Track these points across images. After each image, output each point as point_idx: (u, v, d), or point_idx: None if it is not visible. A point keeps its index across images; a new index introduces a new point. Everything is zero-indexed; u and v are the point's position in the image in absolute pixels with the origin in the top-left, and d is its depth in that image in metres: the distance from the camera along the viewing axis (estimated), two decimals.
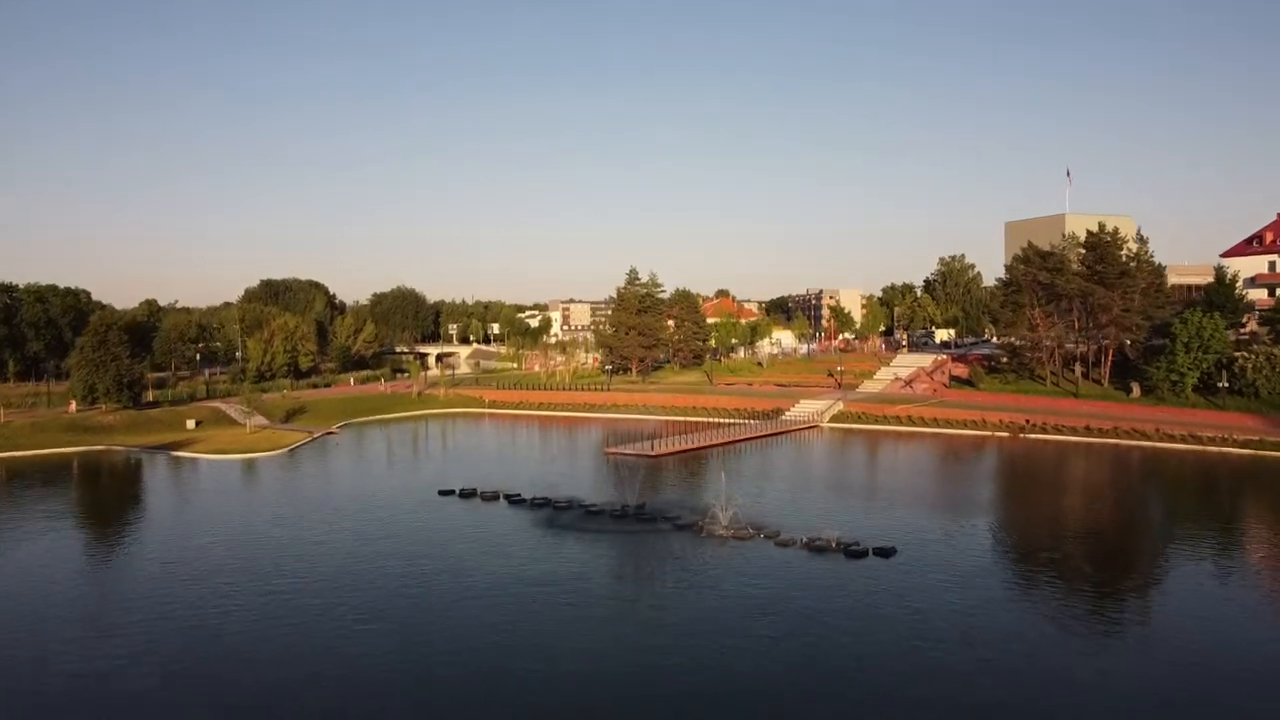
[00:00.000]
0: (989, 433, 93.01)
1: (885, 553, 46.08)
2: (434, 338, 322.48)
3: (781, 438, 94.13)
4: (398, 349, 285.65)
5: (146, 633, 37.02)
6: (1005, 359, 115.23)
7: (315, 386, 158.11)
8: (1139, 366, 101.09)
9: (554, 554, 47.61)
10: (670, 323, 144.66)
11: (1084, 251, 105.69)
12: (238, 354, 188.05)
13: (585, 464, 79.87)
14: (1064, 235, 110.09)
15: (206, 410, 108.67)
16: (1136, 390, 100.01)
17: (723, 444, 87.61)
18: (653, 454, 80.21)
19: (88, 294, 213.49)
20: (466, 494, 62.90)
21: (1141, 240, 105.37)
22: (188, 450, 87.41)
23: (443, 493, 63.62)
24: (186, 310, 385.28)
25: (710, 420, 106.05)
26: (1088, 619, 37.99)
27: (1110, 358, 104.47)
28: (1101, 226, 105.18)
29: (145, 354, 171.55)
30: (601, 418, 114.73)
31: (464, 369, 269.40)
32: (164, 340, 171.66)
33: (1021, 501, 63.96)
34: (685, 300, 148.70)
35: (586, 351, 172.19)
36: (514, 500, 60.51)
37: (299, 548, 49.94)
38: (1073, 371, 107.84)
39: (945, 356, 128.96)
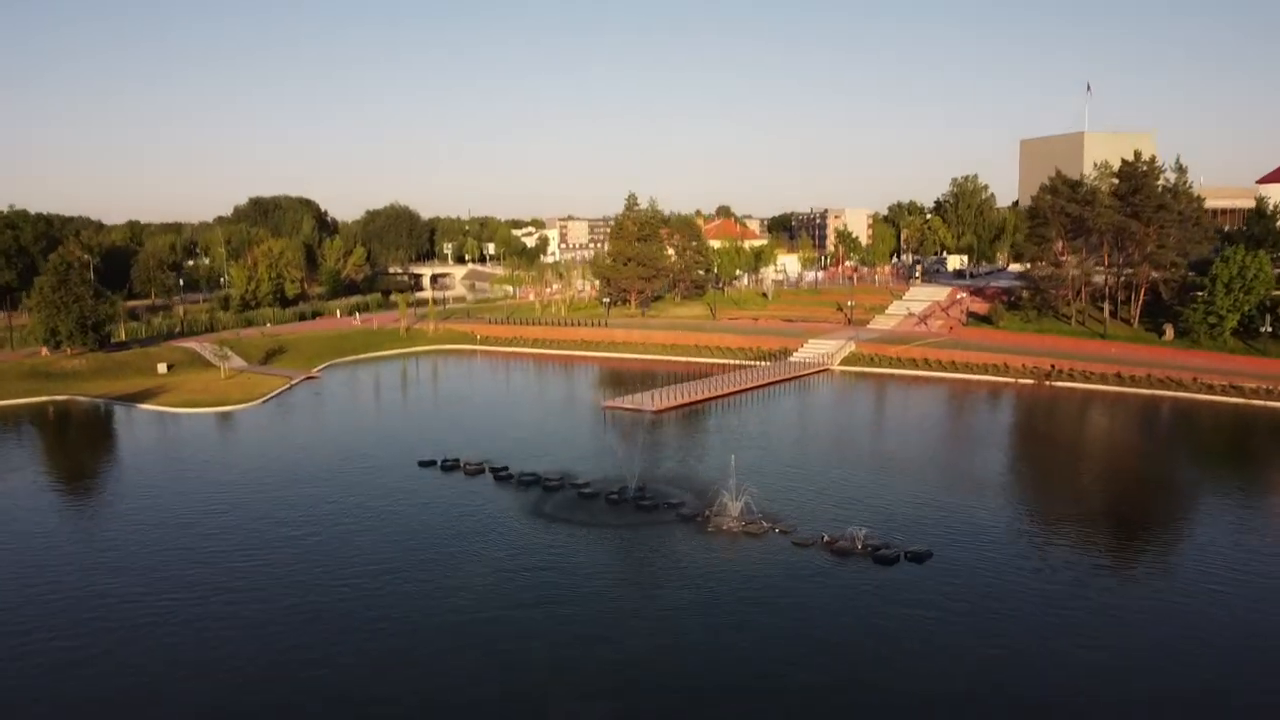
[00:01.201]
0: (1012, 379, 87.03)
1: (919, 557, 40.41)
2: (429, 256, 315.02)
3: (790, 384, 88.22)
4: (391, 269, 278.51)
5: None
6: (1027, 292, 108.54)
7: (302, 317, 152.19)
8: (1173, 307, 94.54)
9: (541, 558, 41.93)
10: (671, 251, 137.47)
11: (1116, 181, 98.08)
12: (222, 279, 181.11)
13: (579, 421, 73.97)
14: (1095, 164, 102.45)
15: (180, 352, 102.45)
16: (1169, 332, 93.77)
17: (727, 394, 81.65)
18: (653, 409, 74.32)
19: (61, 219, 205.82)
20: (448, 466, 57.14)
21: (1180, 169, 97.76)
22: (154, 401, 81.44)
23: (423, 464, 57.85)
24: (176, 226, 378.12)
25: (714, 362, 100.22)
26: (1179, 655, 32.47)
27: (1142, 296, 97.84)
28: (1137, 155, 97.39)
29: (123, 283, 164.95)
30: (598, 357, 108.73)
31: (459, 289, 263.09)
32: (142, 268, 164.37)
33: (1063, 479, 57.35)
34: (687, 227, 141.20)
35: (583, 277, 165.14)
36: (500, 475, 54.76)
37: (247, 542, 44.11)
38: (1100, 310, 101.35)
39: (962, 290, 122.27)
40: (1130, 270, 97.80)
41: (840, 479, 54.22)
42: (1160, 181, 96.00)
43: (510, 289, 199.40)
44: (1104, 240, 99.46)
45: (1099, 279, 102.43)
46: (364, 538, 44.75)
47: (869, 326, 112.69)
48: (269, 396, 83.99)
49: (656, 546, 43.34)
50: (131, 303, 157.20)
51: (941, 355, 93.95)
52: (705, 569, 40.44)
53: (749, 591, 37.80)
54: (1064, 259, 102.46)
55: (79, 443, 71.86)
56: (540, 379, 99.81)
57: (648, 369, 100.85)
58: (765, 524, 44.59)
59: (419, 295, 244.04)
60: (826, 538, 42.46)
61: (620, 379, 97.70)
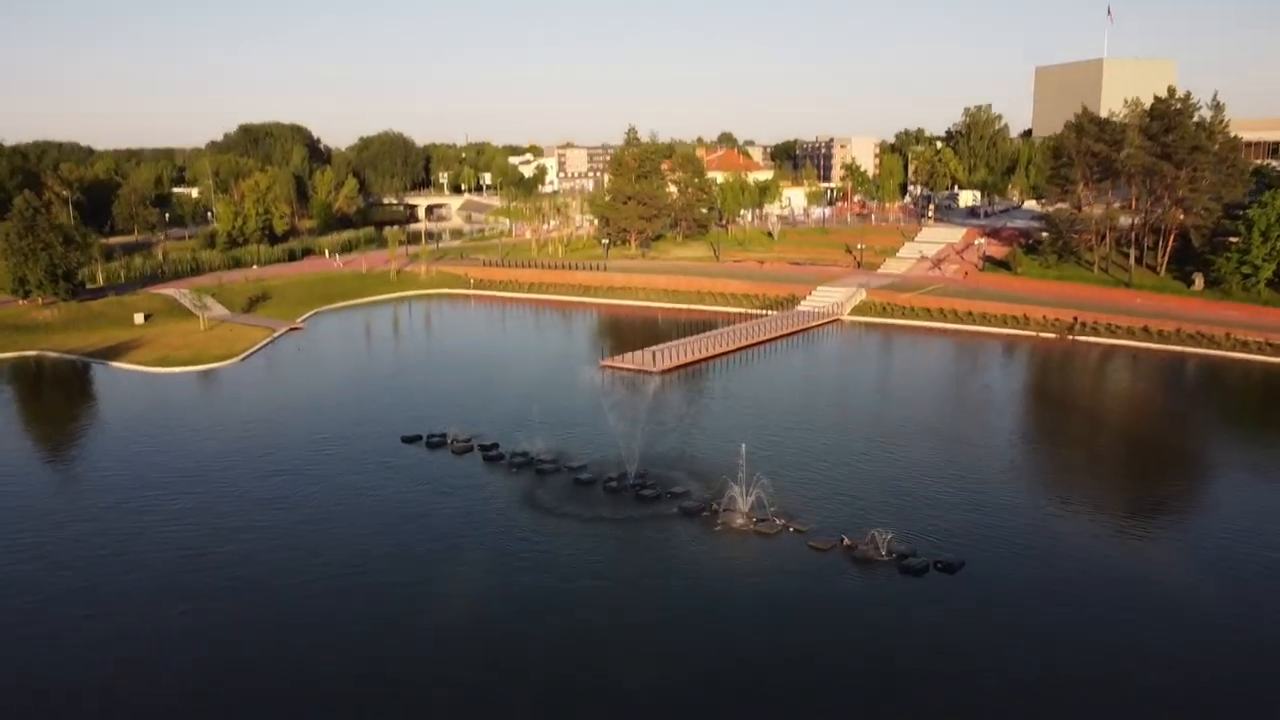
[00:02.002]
0: (1033, 333, 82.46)
1: (949, 567, 36.41)
2: (424, 185, 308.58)
3: (798, 337, 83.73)
4: (385, 200, 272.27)
5: None
6: (1047, 235, 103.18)
7: (291, 255, 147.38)
8: (1203, 254, 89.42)
9: (530, 561, 37.99)
10: (672, 188, 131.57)
11: (1148, 119, 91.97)
12: (209, 214, 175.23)
13: (576, 382, 68.47)
14: (1125, 100, 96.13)
15: (159, 300, 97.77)
16: (1199, 282, 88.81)
17: (733, 350, 77.23)
18: (654, 370, 69.99)
19: (40, 149, 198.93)
20: (434, 443, 53.00)
21: (1217, 107, 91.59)
22: (128, 358, 77.01)
23: (407, 439, 53.69)
24: (168, 152, 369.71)
25: (718, 310, 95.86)
26: None
27: (1171, 242, 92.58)
28: (1171, 91, 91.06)
29: (105, 219, 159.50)
30: (597, 303, 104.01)
31: (456, 221, 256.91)
32: (124, 204, 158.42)
33: (1105, 458, 52.36)
34: (689, 162, 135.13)
35: (581, 212, 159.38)
36: (490, 455, 50.65)
37: (204, 536, 40.11)
38: (1125, 255, 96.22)
39: (977, 232, 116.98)
40: (1158, 214, 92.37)
41: (857, 460, 50.12)
42: (1194, 119, 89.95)
43: (506, 222, 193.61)
44: (1132, 182, 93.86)
45: (1124, 222, 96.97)
46: (336, 533, 40.84)
47: (880, 271, 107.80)
48: (249, 352, 79.57)
49: (657, 549, 39.39)
50: (114, 239, 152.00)
51: (958, 305, 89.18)
52: (709, 579, 36.55)
53: (756, 611, 33.94)
54: (1088, 202, 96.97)
55: (43, 409, 67.69)
56: (536, 329, 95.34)
57: (648, 318, 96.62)
58: (779, 522, 40.57)
59: (414, 227, 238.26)
60: (846, 541, 38.44)
61: (620, 330, 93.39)
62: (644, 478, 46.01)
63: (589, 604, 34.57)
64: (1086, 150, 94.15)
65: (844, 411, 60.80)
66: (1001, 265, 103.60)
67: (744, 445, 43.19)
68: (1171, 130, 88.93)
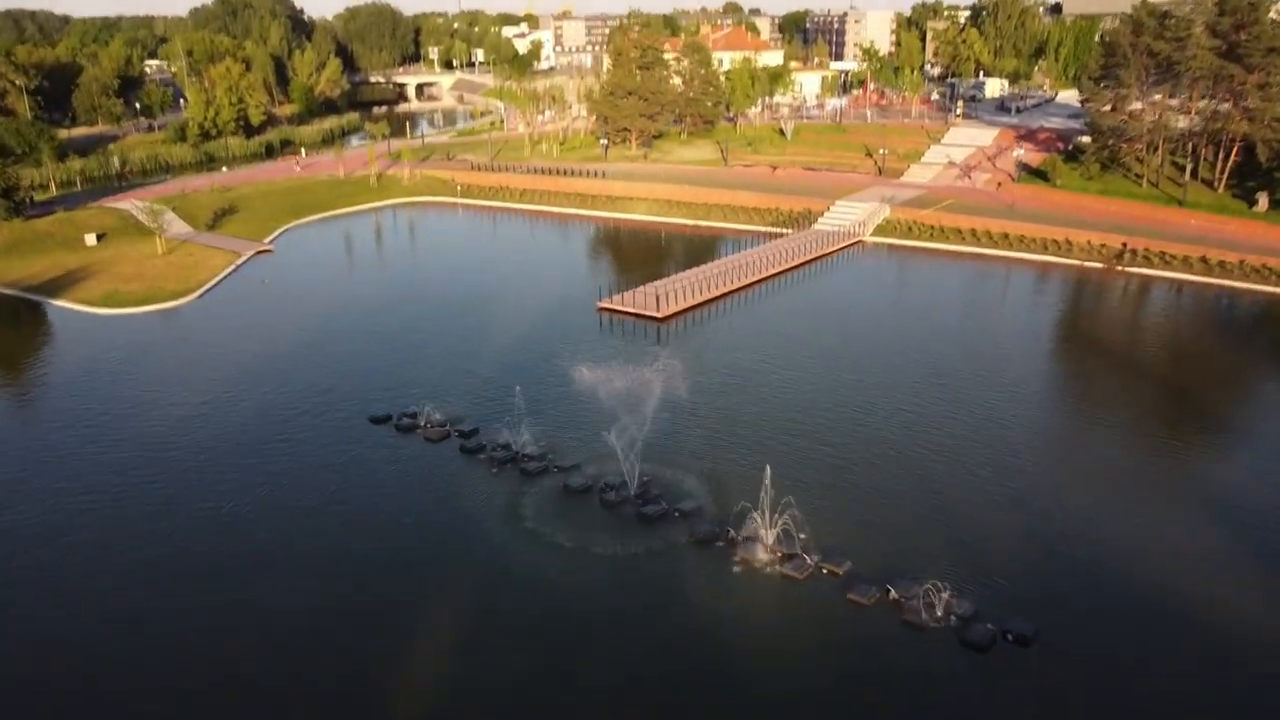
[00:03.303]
0: (1076, 262, 74.34)
1: (1023, 641, 29.74)
2: (414, 59, 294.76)
3: (817, 265, 75.60)
4: (372, 78, 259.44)
5: None
6: (1089, 140, 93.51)
7: (269, 149, 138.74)
8: (1271, 171, 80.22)
9: (507, 616, 31.41)
10: (677, 80, 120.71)
11: (1218, 15, 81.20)
12: (182, 99, 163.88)
13: (569, 331, 60.55)
14: None
15: (113, 216, 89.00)
16: (1263, 202, 79.89)
17: (746, 286, 69.16)
18: (658, 316, 62.18)
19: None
20: (406, 425, 45.91)
21: None
22: (71, 294, 69.08)
23: (375, 420, 46.60)
24: (148, 21, 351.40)
25: (727, 227, 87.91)
26: None
27: (1233, 155, 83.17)
28: None
29: (65, 110, 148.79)
30: (595, 216, 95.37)
31: (447, 100, 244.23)
32: (85, 94, 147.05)
33: (1204, 448, 44.96)
34: (696, 51, 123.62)
35: (579, 100, 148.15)
36: (468, 445, 43.56)
37: (115, 563, 33.59)
38: (1179, 169, 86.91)
39: (1011, 132, 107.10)
40: (1220, 124, 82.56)
41: (897, 462, 42.62)
42: (1272, 14, 79.40)
43: (499, 105, 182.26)
44: (1194, 86, 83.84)
45: (1180, 125, 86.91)
46: (283, 555, 34.18)
47: (903, 180, 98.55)
48: (209, 285, 71.70)
49: (659, 597, 32.59)
50: (76, 130, 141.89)
51: (992, 226, 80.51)
52: (719, 643, 29.97)
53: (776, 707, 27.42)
54: (1140, 106, 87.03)
55: None
56: (528, 251, 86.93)
57: (650, 234, 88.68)
58: (810, 560, 33.76)
59: (403, 108, 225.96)
60: (894, 594, 31.67)
61: (620, 250, 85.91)
62: (647, 487, 39.04)
63: (574, 685, 28.11)
64: (1144, 49, 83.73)
65: (877, 387, 51.06)
66: (1038, 175, 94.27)
67: (768, 469, 35.73)
68: (1244, 27, 78.51)
